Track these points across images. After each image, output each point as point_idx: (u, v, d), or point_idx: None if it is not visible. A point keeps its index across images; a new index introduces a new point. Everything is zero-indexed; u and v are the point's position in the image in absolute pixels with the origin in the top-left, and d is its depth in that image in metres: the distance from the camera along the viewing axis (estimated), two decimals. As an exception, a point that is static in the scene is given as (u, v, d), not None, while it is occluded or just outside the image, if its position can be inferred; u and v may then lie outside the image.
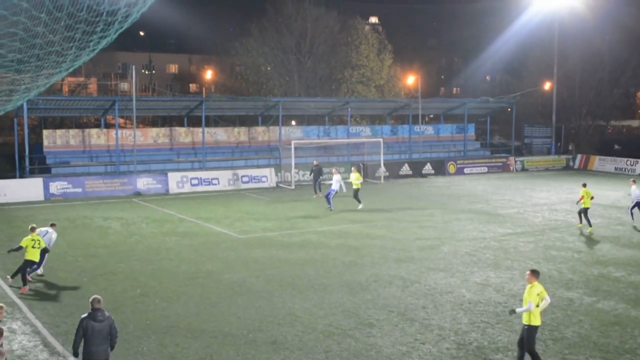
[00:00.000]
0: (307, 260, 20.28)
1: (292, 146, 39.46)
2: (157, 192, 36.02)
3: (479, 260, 20.41)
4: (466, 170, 48.35)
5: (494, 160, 50.57)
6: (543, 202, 33.76)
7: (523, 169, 51.09)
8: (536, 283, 11.98)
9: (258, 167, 42.12)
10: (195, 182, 37.47)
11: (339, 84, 61.86)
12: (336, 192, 30.31)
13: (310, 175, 36.76)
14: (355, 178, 30.95)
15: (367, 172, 43.41)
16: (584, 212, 25.45)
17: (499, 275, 18.72)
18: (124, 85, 76.12)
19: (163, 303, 15.98)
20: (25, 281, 16.91)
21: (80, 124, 57.56)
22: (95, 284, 17.57)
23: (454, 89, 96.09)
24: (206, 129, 44.06)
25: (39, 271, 18.14)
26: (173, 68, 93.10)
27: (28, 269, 17.25)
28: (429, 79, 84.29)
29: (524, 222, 27.45)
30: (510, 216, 28.94)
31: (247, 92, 60.19)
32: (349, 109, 48.88)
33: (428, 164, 46.79)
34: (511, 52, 68.50)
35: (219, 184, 38.09)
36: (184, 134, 44.04)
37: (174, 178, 36.91)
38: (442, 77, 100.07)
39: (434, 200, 33.79)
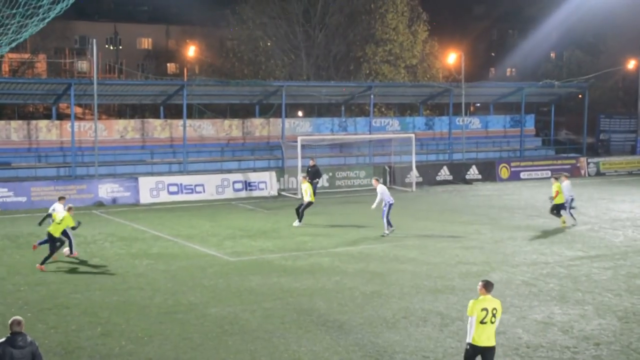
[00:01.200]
0: (317, 290, 20.26)
1: (299, 143, 39.54)
2: (124, 202, 36.14)
3: (540, 291, 20.32)
4: (523, 175, 48.32)
5: (559, 162, 50.55)
6: (625, 216, 33.59)
7: (598, 173, 51.01)
8: (487, 297, 12.77)
9: (255, 170, 42.24)
10: (173, 189, 37.66)
11: (358, 64, 61.94)
12: (391, 206, 29.05)
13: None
14: (306, 189, 30.60)
15: (394, 176, 43.52)
16: (557, 208, 30.42)
17: (567, 311, 18.61)
18: (82, 65, 76.70)
19: (131, 345, 15.98)
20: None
21: (25, 114, 58.07)
22: (43, 321, 17.59)
23: (508, 70, 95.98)
24: (188, 122, 44.34)
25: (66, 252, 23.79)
26: (146, 43, 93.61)
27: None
28: (475, 57, 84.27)
29: (599, 242, 27.36)
30: (582, 235, 28.84)
31: (242, 75, 60.44)
32: (372, 96, 49.02)
33: (473, 166, 46.84)
34: (584, 21, 68.33)
35: (204, 192, 38.29)
36: (159, 128, 44.25)
37: (146, 184, 37.04)
38: (493, 54, 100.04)
39: (481, 214, 33.64)
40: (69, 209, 23.59)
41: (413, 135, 44.31)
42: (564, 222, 30.59)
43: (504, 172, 47.74)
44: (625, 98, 65.64)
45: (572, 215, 31.19)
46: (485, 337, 12.65)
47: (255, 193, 39.53)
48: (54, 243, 23.03)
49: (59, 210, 23.69)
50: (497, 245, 26.61)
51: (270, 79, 57.42)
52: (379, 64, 61.39)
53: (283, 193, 40.30)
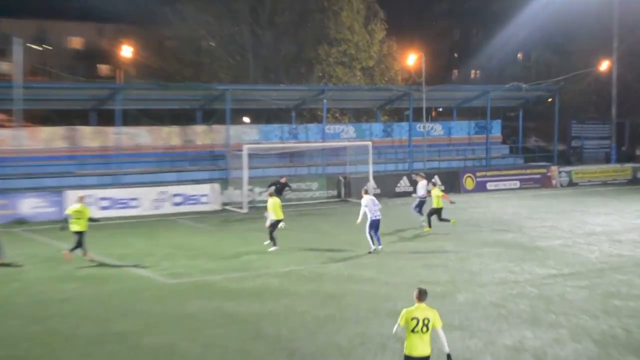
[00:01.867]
0: (264, 315, 19.99)
1: (245, 153, 39.33)
2: (49, 219, 35.58)
3: (510, 313, 20.28)
4: (490, 186, 48.69)
5: (529, 172, 51.08)
6: (600, 229, 33.88)
7: (571, 183, 51.64)
8: (421, 306, 13.38)
9: (196, 182, 41.94)
10: (105, 204, 37.30)
11: (310, 65, 62.02)
12: (374, 222, 28.64)
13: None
14: (272, 204, 29.09)
15: (350, 188, 43.58)
16: (435, 213, 32.94)
17: (539, 335, 18.53)
18: (3, 66, 75.73)
19: (53, 380, 15.54)
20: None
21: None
22: (-46, 354, 17.06)
23: (472, 71, 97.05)
24: (123, 129, 43.79)
25: (78, 252, 26.35)
26: (76, 42, 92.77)
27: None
28: (437, 58, 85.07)
29: (573, 258, 27.49)
30: (554, 250, 28.99)
31: (182, 78, 60.10)
32: (325, 101, 49.04)
33: (436, 177, 46.98)
34: (553, 20, 68.97)
35: (139, 206, 38.04)
36: (90, 136, 43.67)
37: (74, 199, 36.32)
38: (456, 55, 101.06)
39: (445, 229, 33.69)
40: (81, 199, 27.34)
41: (370, 143, 44.25)
42: (454, 223, 33.20)
43: (469, 183, 48.01)
44: (598, 102, 66.49)
45: (420, 214, 34.43)
46: (419, 347, 13.13)
47: (197, 207, 39.28)
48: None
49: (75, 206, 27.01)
50: (462, 262, 26.59)
51: (214, 82, 57.17)
52: (333, 65, 61.50)
53: (227, 207, 40.08)
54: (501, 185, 49.07)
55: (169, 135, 45.66)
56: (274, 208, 28.67)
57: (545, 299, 21.77)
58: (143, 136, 45.02)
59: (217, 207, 39.70)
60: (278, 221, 28.94)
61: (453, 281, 23.79)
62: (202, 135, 46.61)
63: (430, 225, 33.22)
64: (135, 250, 28.71)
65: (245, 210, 39.06)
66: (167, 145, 45.47)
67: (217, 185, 40.44)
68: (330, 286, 23.01)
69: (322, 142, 47.90)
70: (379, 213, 28.39)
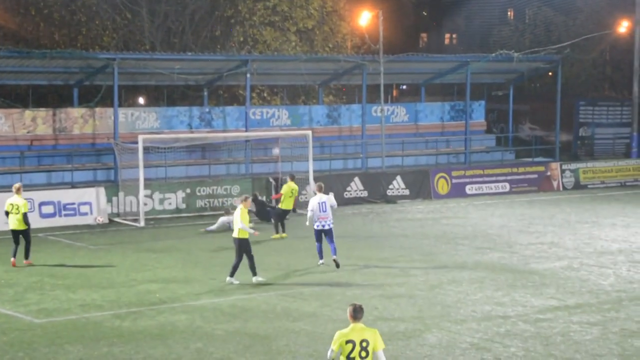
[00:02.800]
0: (168, 364, 20.06)
1: (140, 146, 39.17)
2: None
3: (497, 359, 20.56)
4: (470, 189, 49.18)
5: (522, 170, 51.44)
6: (616, 247, 34.40)
7: (577, 186, 52.17)
8: (357, 326, 14.25)
9: (73, 186, 41.66)
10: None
11: (228, 26, 61.89)
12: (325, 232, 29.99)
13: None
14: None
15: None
16: (281, 215, 36.66)
17: (536, 386, 18.82)
18: None
19: None
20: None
21: None
22: None
23: (447, 36, 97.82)
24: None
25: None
26: None
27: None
28: (400, 19, 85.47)
29: (580, 285, 27.83)
30: (555, 274, 29.38)
31: (51, 43, 59.43)
32: (249, 76, 48.83)
33: (398, 177, 47.40)
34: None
35: (-6, 219, 37.50)
36: None
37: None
38: (424, 14, 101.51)
39: (410, 247, 33.99)
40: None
41: (309, 133, 44.47)
42: (279, 236, 36.63)
43: (442, 186, 48.32)
44: (615, 76, 67.40)
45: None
46: None
47: (75, 220, 39.00)
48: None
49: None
50: (433, 292, 26.78)
51: (96, 48, 56.82)
52: (259, 27, 61.49)
53: (117, 220, 40.03)
54: (485, 188, 49.46)
55: (33, 122, 45.29)
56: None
57: (544, 339, 21.99)
58: (-3, 123, 44.80)
59: (103, 219, 39.58)
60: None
61: (421, 317, 23.92)
62: (80, 121, 46.33)
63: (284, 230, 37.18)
64: (-10, 279, 28.46)
65: (141, 224, 39.04)
66: (30, 136, 45.24)
67: (102, 190, 40.25)
68: (257, 325, 23.03)
69: (246, 131, 47.91)
70: (327, 222, 28.93)
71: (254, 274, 27.94)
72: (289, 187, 37.23)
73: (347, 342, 13.89)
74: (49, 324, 23.33)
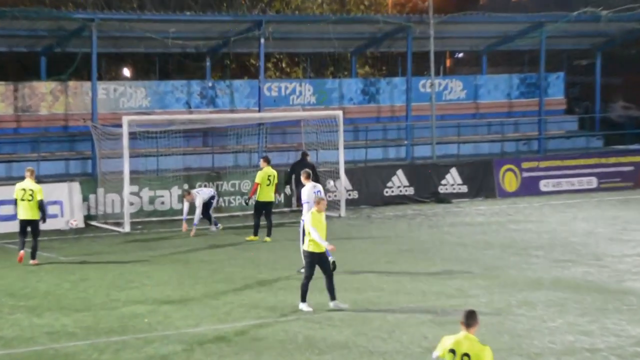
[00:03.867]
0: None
1: (125, 129, 39.19)
2: None
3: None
4: (545, 186, 49.22)
5: (613, 161, 51.24)
6: None
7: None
8: (468, 336, 15.11)
9: (39, 180, 41.68)
10: None
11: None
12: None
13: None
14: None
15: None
16: (260, 210, 37.76)
17: None
18: None
19: None
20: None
21: None
22: None
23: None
24: None
25: None
26: None
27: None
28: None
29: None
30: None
31: (14, 0, 59.69)
32: (263, 41, 48.80)
33: (453, 170, 47.23)
34: None
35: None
36: None
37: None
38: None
39: (469, 259, 33.98)
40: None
41: (340, 113, 44.56)
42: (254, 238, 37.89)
43: (509, 181, 48.26)
44: None
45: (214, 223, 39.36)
46: None
47: (41, 224, 39.00)
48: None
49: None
50: (499, 317, 26.56)
51: (69, 6, 57.02)
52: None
53: (95, 224, 40.23)
54: (565, 184, 49.44)
55: (-9, 101, 45.61)
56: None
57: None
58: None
59: (76, 223, 39.68)
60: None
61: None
62: (49, 99, 46.46)
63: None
64: None
65: (126, 229, 39.12)
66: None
67: (76, 186, 40.40)
68: (273, 359, 23.00)
69: (259, 111, 47.99)
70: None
71: (332, 297, 27.49)
72: (265, 173, 37.93)
73: (450, 350, 14.89)
74: (7, 357, 23.33)
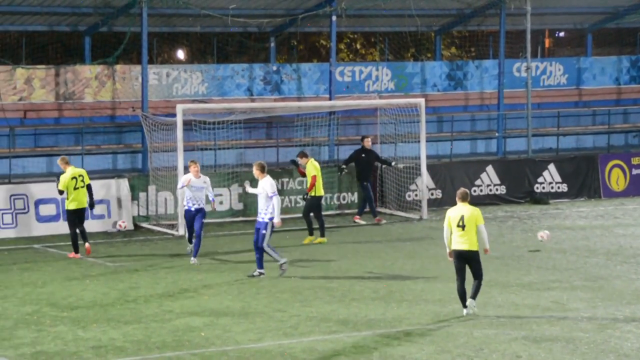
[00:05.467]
0: None
1: (179, 119, 39.27)
2: None
3: None
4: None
5: None
6: None
7: None
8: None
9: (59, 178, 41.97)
10: None
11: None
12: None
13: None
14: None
15: (383, 187, 43.69)
16: (314, 208, 38.33)
17: None
18: None
19: None
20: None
21: None
22: None
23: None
24: None
25: None
26: None
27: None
28: None
29: None
30: None
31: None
32: (334, 18, 48.73)
33: (551, 167, 47.03)
34: None
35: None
36: None
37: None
38: None
39: (570, 268, 33.75)
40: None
41: (422, 101, 44.35)
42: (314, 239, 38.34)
43: (616, 179, 47.93)
44: None
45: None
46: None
47: (85, 225, 38.42)
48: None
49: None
50: (604, 334, 26.11)
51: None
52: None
53: (146, 225, 40.40)
54: (685, 185, 49.12)
55: (28, 85, 45.70)
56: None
57: None
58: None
59: (125, 224, 39.77)
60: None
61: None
62: (94, 84, 46.57)
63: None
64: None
65: (180, 232, 39.01)
66: (24, 104, 45.68)
67: (124, 183, 40.51)
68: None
69: (330, 99, 47.86)
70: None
71: (472, 296, 27.55)
72: (314, 165, 38.62)
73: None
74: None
